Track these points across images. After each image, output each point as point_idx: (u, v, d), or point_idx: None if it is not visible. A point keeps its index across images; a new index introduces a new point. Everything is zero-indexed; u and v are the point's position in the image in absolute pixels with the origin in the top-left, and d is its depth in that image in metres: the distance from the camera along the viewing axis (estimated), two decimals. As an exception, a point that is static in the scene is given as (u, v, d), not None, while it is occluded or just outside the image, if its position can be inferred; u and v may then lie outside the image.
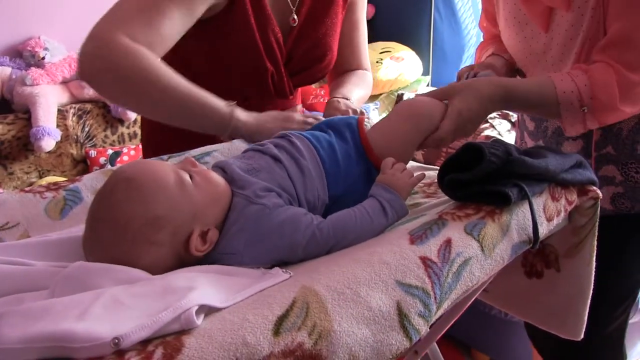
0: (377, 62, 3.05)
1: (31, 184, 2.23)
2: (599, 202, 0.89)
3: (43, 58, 2.27)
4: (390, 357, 0.55)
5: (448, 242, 0.66)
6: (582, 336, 0.99)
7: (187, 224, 0.67)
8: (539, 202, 0.79)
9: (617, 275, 1.11)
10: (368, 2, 3.61)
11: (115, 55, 0.90)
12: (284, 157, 0.79)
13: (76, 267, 0.61)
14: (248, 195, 0.71)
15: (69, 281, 0.60)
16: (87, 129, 2.29)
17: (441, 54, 3.23)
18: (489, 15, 1.25)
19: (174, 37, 0.99)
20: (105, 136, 2.36)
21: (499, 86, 0.93)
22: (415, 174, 0.81)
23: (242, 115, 1.02)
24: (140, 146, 2.35)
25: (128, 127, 2.42)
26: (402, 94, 2.92)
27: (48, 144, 2.12)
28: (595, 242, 0.91)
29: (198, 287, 0.55)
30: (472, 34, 3.16)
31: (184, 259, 0.68)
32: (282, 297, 0.54)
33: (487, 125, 2.43)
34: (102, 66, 0.92)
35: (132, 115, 2.33)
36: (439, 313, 0.62)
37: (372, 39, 3.45)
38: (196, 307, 0.51)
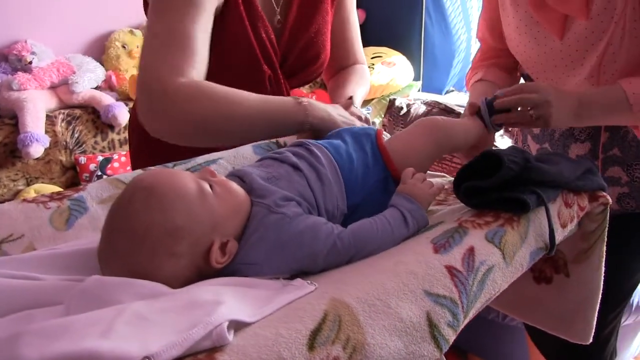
0: (368, 67, 3.05)
1: (18, 192, 2.18)
2: (608, 208, 0.89)
3: (30, 62, 2.22)
4: (422, 369, 0.54)
5: (471, 251, 0.65)
6: (590, 340, 0.99)
7: (207, 235, 0.65)
8: (553, 208, 0.79)
9: (620, 276, 1.12)
10: (358, 7, 3.62)
11: (181, 104, 0.88)
12: (304, 166, 0.77)
13: (93, 281, 0.59)
14: (268, 204, 0.70)
15: (85, 296, 0.58)
16: (76, 135, 2.25)
17: (432, 58, 3.25)
18: (490, 24, 1.24)
19: (207, 50, 0.97)
20: (95, 142, 2.32)
21: (573, 98, 0.97)
22: (434, 184, 0.80)
23: (314, 110, 0.98)
24: (131, 152, 2.32)
25: (118, 133, 2.39)
26: (394, 99, 2.92)
27: (36, 150, 2.08)
28: (604, 248, 0.92)
29: (225, 301, 0.54)
30: (463, 39, 3.18)
31: (203, 271, 0.66)
32: (313, 310, 0.53)
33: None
34: (176, 119, 0.89)
35: (123, 121, 2.29)
36: (465, 322, 0.61)
37: (363, 44, 3.46)
38: (227, 323, 0.50)
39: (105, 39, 2.52)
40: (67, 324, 0.51)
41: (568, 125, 0.99)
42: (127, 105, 2.37)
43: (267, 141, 1.14)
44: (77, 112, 2.27)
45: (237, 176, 0.76)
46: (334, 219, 0.77)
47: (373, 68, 3.06)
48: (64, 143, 2.22)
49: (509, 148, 0.77)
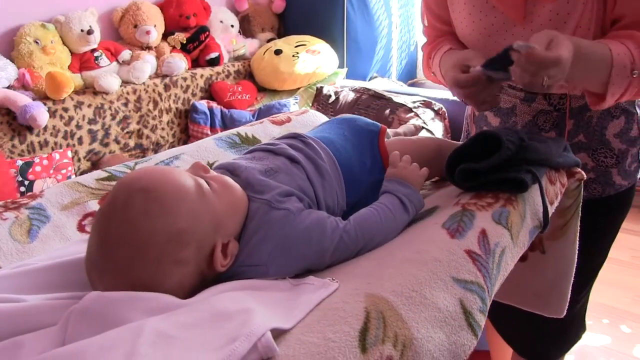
0: (293, 56, 3.02)
1: None
2: (582, 183, 0.92)
3: None
4: (464, 358, 0.52)
5: (484, 233, 0.64)
6: (564, 313, 1.02)
7: (210, 237, 0.60)
8: (543, 186, 0.80)
9: (589, 257, 1.14)
10: (279, -4, 3.54)
11: None
12: (301, 159, 0.73)
13: (93, 299, 0.52)
14: (268, 200, 0.65)
15: (86, 316, 0.51)
16: (-10, 139, 2.05)
17: (355, 46, 3.27)
18: (436, 13, 1.15)
19: None
20: (13, 146, 2.12)
21: (569, 38, 0.85)
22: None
23: None
24: (54, 154, 2.15)
25: (38, 135, 2.20)
26: (322, 87, 2.91)
27: (-54, 158, 1.87)
28: (579, 223, 0.94)
29: (253, 308, 0.49)
30: (384, 25, 3.23)
31: (206, 276, 0.61)
32: (353, 309, 0.49)
33: (412, 114, 2.49)
34: None
35: (43, 122, 2.11)
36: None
37: (284, 32, 3.42)
38: (269, 332, 0.45)
39: (14, 34, 2.31)
40: (81, 351, 0.45)
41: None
42: (45, 104, 2.19)
43: (228, 132, 1.09)
44: (-11, 114, 2.07)
45: (228, 170, 0.70)
46: (334, 215, 0.73)
47: (298, 57, 3.02)
48: (-23, 148, 2.02)
49: (501, 129, 0.77)
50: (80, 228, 0.77)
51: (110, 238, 0.57)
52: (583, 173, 0.90)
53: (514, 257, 0.67)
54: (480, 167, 0.73)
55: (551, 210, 0.81)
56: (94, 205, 0.80)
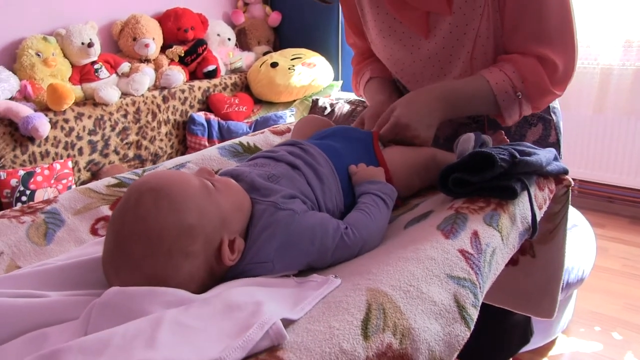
0: (289, 68, 3.08)
1: None
2: (570, 190, 0.96)
3: None
4: (458, 348, 0.56)
5: (475, 234, 0.69)
6: (554, 315, 1.06)
7: (217, 232, 0.64)
8: (532, 193, 0.84)
9: None
10: (274, 10, 3.63)
11: None
12: (301, 165, 0.78)
13: (114, 293, 0.56)
14: (274, 201, 0.69)
15: (107, 309, 0.55)
16: (-7, 150, 2.09)
17: (350, 59, 3.32)
18: (355, 29, 1.21)
19: None
20: (15, 156, 2.16)
21: (439, 87, 1.00)
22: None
23: None
24: (55, 165, 2.19)
25: (39, 146, 2.24)
26: (317, 99, 2.96)
27: (-51, 168, 1.91)
28: (567, 227, 0.99)
29: (263, 300, 0.53)
30: (379, 40, 3.28)
31: (215, 271, 0.65)
32: (355, 302, 0.54)
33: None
34: None
35: (44, 132, 2.15)
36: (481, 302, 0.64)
37: (281, 45, 3.48)
38: (280, 321, 0.49)
39: (16, 47, 2.36)
40: (106, 339, 0.48)
41: (443, 115, 1.01)
42: (46, 116, 2.23)
43: (231, 142, 1.13)
44: (-8, 125, 2.11)
45: (232, 175, 0.75)
46: (333, 217, 0.77)
47: (294, 69, 3.08)
48: (-20, 159, 2.05)
49: (495, 147, 0.82)
50: (93, 231, 0.81)
51: (125, 234, 0.61)
52: (570, 180, 0.94)
53: (504, 257, 0.72)
54: (474, 179, 0.78)
55: (540, 214, 0.86)
56: (105, 210, 0.84)
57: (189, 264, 0.62)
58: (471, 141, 0.87)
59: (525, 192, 0.81)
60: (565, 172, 0.94)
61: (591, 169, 3.05)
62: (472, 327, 0.59)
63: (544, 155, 0.86)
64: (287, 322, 0.51)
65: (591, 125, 2.99)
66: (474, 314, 0.60)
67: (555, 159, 0.93)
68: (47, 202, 0.83)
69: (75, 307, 0.59)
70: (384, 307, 0.53)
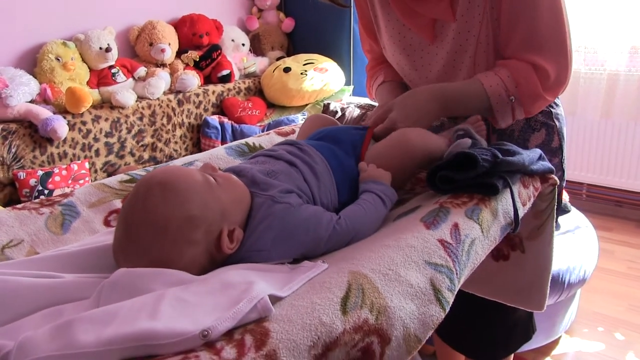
0: (301, 73, 3.14)
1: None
2: (556, 188, 1.01)
3: (-40, 78, 2.13)
4: (432, 327, 0.61)
5: (456, 226, 0.74)
6: (545, 308, 1.11)
7: (218, 222, 0.70)
8: (515, 190, 0.89)
9: None
10: (287, 16, 3.69)
11: None
12: (298, 162, 0.84)
13: (122, 274, 0.62)
14: (272, 195, 0.75)
15: (116, 287, 0.61)
16: (13, 150, 2.17)
17: (361, 64, 3.38)
18: (370, 33, 1.27)
19: None
20: (34, 157, 2.25)
21: (434, 88, 1.05)
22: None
23: None
24: (72, 165, 2.27)
25: (57, 147, 2.32)
26: (329, 104, 3.02)
27: (-27, 167, 2.00)
28: (554, 224, 1.03)
29: (255, 280, 0.59)
30: (389, 45, 3.33)
31: (215, 258, 0.71)
32: (337, 282, 0.59)
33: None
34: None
35: (62, 134, 2.24)
36: (458, 287, 0.69)
37: (293, 51, 3.55)
38: (267, 296, 0.55)
39: (36, 51, 2.45)
40: (114, 310, 0.55)
41: (437, 116, 1.06)
42: (64, 118, 2.31)
43: (237, 142, 1.19)
44: (13, 126, 2.19)
45: (234, 172, 0.81)
46: (328, 211, 0.83)
47: (306, 74, 3.14)
48: (1, 159, 2.14)
49: (479, 148, 0.87)
50: (106, 223, 0.88)
51: (134, 223, 0.68)
52: (556, 178, 0.99)
53: (484, 247, 0.77)
54: (459, 177, 0.83)
55: (523, 210, 0.91)
56: (117, 204, 0.91)
57: (191, 251, 0.68)
58: (467, 145, 0.92)
59: (508, 189, 0.86)
60: (551, 171, 0.99)
61: (599, 174, 3.08)
62: (447, 309, 0.64)
63: (527, 155, 0.91)
64: (274, 299, 0.57)
65: (598, 130, 3.02)
66: (449, 297, 0.65)
67: (542, 158, 0.98)
68: (64, 195, 0.90)
69: (88, 287, 0.65)
70: (363, 287, 0.59)
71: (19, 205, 0.86)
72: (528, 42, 1.03)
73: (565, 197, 2.34)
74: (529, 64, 1.03)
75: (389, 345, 0.57)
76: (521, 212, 0.88)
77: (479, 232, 0.76)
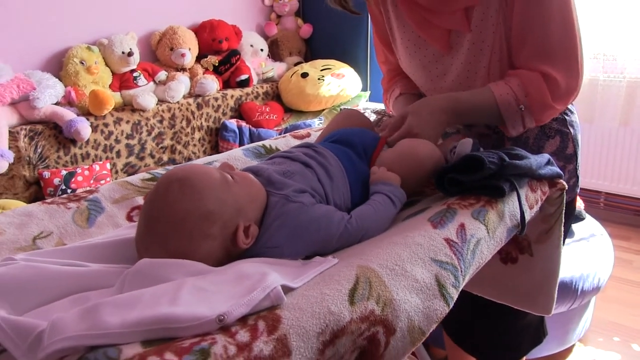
0: (318, 79, 3.18)
1: (-21, 208, 2.14)
2: (564, 193, 1.03)
3: (-11, 79, 2.21)
4: (436, 321, 0.65)
5: (462, 226, 0.77)
6: (552, 312, 1.13)
7: (234, 218, 0.74)
8: (522, 193, 0.92)
9: None
10: (305, 22, 3.74)
11: None
12: (314, 164, 0.88)
13: (145, 263, 0.66)
14: (286, 194, 0.79)
15: (139, 276, 0.65)
16: (39, 150, 2.24)
17: (378, 70, 3.40)
18: (386, 44, 1.29)
19: None
20: (58, 157, 2.32)
21: (446, 98, 1.07)
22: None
23: None
24: (94, 166, 2.34)
25: (80, 148, 2.39)
26: (345, 109, 3.06)
27: (1, 166, 2.07)
28: (563, 228, 1.06)
29: (269, 272, 0.63)
30: (407, 52, 3.36)
31: (231, 252, 0.75)
32: (345, 275, 0.63)
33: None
34: None
35: (85, 135, 2.31)
36: (463, 285, 0.72)
37: (311, 57, 3.60)
38: (279, 286, 0.58)
39: (62, 55, 2.53)
40: (137, 296, 0.59)
41: (450, 123, 1.08)
42: (87, 120, 2.38)
43: (255, 144, 1.23)
44: (39, 127, 2.26)
45: (252, 171, 0.85)
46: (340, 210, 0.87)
47: (323, 79, 3.18)
48: (27, 158, 2.21)
49: (486, 151, 0.90)
50: (129, 218, 0.93)
51: (154, 216, 0.72)
52: (564, 183, 1.02)
53: (490, 248, 0.80)
54: (466, 179, 0.86)
55: (530, 214, 0.93)
56: (140, 200, 0.96)
57: (208, 244, 0.72)
58: (469, 144, 0.95)
59: (515, 192, 0.89)
60: (560, 176, 1.01)
61: (617, 182, 3.06)
62: (451, 304, 0.67)
63: (535, 159, 0.94)
64: (287, 289, 0.61)
65: (617, 137, 3.01)
66: (453, 293, 0.68)
67: (550, 163, 1.00)
68: (90, 192, 0.94)
69: (112, 276, 0.69)
70: (370, 281, 0.62)
71: (48, 200, 0.91)
72: (539, 52, 1.05)
73: (580, 204, 2.34)
74: (539, 74, 1.05)
75: (393, 336, 0.60)
76: (528, 215, 0.91)
77: (484, 232, 0.79)
